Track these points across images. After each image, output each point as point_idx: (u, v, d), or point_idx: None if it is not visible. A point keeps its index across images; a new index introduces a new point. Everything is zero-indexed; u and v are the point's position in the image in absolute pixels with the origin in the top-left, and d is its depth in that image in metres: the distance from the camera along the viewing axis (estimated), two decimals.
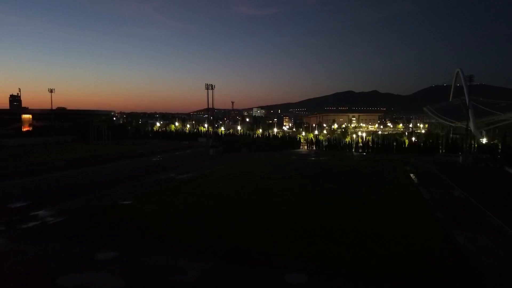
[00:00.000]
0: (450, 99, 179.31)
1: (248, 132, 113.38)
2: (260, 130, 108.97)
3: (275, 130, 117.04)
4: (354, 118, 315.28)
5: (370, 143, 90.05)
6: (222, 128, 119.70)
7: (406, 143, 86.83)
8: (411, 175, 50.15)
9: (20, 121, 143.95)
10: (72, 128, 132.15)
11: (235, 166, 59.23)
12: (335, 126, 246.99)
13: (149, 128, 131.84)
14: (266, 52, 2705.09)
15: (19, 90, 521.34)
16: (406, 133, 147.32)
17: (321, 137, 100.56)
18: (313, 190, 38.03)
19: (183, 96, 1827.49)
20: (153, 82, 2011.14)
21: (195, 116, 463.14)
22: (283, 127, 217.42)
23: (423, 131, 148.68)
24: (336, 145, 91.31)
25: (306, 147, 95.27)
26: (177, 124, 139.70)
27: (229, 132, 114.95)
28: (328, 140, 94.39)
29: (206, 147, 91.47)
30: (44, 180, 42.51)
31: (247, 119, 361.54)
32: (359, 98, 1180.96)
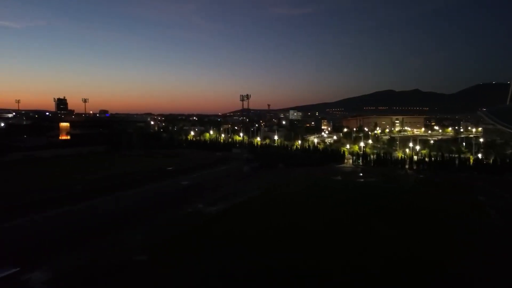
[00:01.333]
0: (509, 101, 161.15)
1: (285, 143, 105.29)
2: (299, 142, 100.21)
3: (315, 140, 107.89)
4: (398, 121, 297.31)
5: (426, 157, 79.23)
6: (258, 138, 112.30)
7: (471, 160, 75.07)
8: None
9: (59, 129, 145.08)
10: (107, 136, 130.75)
11: (273, 190, 51.65)
12: (378, 130, 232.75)
13: (183, 137, 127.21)
14: (302, 52, 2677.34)
15: (64, 97, 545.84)
16: (459, 139, 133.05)
17: (368, 150, 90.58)
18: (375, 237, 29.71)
19: (220, 97, 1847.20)
20: (191, 84, 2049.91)
21: (231, 119, 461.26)
22: (322, 133, 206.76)
23: (479, 138, 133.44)
24: (386, 160, 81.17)
25: (351, 161, 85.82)
26: (211, 132, 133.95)
27: (265, 143, 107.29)
28: (377, 154, 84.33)
29: (240, 160, 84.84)
30: (40, 221, 35.51)
31: (283, 122, 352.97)
32: (400, 97, 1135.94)
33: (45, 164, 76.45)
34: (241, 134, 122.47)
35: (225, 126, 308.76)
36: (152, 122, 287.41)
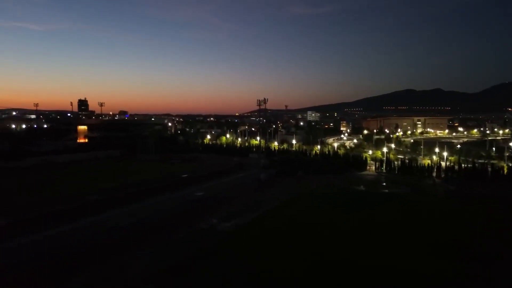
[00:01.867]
0: None
1: (304, 147, 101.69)
2: (318, 147, 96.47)
3: (335, 143, 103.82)
4: (420, 122, 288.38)
5: (455, 165, 74.40)
6: (275, 143, 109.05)
7: (505, 169, 69.72)
8: None
9: (76, 132, 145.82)
10: (123, 140, 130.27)
11: (291, 204, 48.39)
12: (400, 132, 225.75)
13: (200, 140, 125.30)
14: (320, 51, 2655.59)
15: (85, 98, 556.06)
16: (487, 142, 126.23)
17: (391, 156, 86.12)
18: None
19: (237, 96, 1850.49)
20: (209, 84, 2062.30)
21: (248, 119, 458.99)
22: (342, 135, 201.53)
23: (510, 142, 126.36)
24: (411, 167, 76.68)
25: (374, 167, 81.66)
26: (228, 136, 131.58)
27: (283, 148, 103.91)
28: (401, 161, 79.90)
29: (257, 167, 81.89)
30: (36, 243, 32.73)
31: (301, 123, 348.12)
32: (420, 97, 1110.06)
33: (59, 170, 75.42)
34: (258, 138, 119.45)
35: (242, 128, 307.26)
36: (169, 124, 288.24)
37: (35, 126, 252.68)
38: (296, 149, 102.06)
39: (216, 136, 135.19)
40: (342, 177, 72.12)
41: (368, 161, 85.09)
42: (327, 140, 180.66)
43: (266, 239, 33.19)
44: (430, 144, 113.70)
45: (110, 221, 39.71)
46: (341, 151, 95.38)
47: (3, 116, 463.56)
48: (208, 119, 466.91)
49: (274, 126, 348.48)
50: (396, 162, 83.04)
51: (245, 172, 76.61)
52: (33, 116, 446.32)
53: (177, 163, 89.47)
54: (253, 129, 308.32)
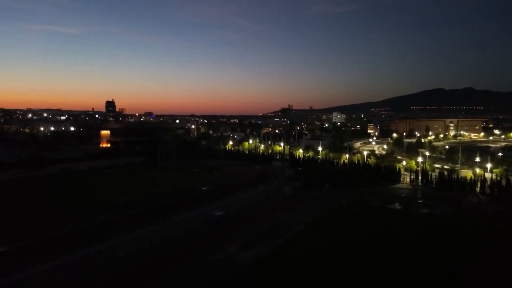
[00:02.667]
0: None
1: (330, 155, 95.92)
2: (347, 155, 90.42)
3: (362, 147, 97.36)
4: (452, 124, 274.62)
5: (502, 179, 66.97)
6: (300, 150, 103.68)
7: None
8: None
9: (99, 137, 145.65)
10: (145, 144, 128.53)
11: (317, 228, 43.33)
12: (431, 136, 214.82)
13: (222, 146, 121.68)
14: (346, 50, 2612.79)
15: (112, 99, 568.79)
16: None
17: (427, 166, 79.17)
18: None
19: (261, 96, 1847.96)
20: (234, 84, 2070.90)
21: (272, 120, 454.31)
22: (370, 139, 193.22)
23: None
24: (451, 181, 69.74)
25: (408, 179, 75.15)
26: (250, 141, 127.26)
27: (308, 156, 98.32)
28: (439, 173, 72.98)
29: (281, 177, 77.04)
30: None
31: (326, 125, 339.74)
32: (451, 96, 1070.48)
33: (77, 180, 73.36)
34: (282, 144, 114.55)
35: (266, 129, 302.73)
36: (193, 126, 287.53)
37: (63, 128, 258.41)
38: (322, 157, 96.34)
39: (239, 141, 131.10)
40: (373, 191, 66.23)
41: (402, 172, 78.61)
42: (354, 144, 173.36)
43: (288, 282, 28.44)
44: (467, 150, 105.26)
45: (117, 250, 35.87)
46: (372, 161, 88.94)
47: (34, 117, 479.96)
48: (231, 120, 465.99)
49: (298, 128, 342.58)
50: (432, 174, 76.19)
51: (268, 184, 71.93)
52: (63, 118, 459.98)
53: (197, 172, 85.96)
54: (276, 131, 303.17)
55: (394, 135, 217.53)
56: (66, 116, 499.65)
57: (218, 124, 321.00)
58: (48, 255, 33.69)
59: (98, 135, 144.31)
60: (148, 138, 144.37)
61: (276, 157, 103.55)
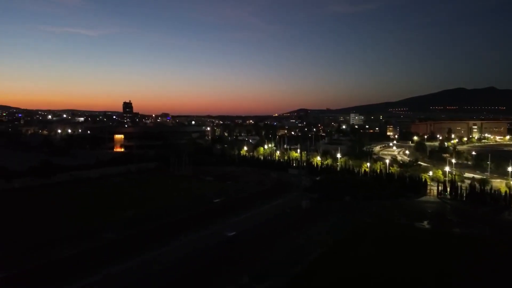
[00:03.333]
0: None
1: (350, 163, 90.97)
2: (368, 164, 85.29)
3: (386, 160, 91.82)
4: (476, 127, 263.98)
5: None
6: (318, 158, 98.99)
7: None
8: None
9: (113, 141, 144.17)
10: (159, 149, 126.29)
11: (339, 251, 39.12)
12: (455, 140, 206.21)
13: (236, 151, 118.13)
14: (363, 50, 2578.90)
15: (129, 101, 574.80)
16: None
17: (457, 177, 73.47)
18: None
19: (278, 96, 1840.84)
20: (250, 84, 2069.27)
21: (287, 121, 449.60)
22: (390, 143, 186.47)
23: None
24: (483, 193, 64.12)
25: (435, 191, 69.77)
26: (266, 147, 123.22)
27: (327, 164, 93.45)
28: (470, 186, 67.33)
29: (298, 187, 73.01)
30: None
31: (343, 126, 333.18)
32: (472, 96, 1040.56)
33: (84, 191, 70.96)
34: (298, 151, 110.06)
35: (281, 131, 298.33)
36: (208, 128, 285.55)
37: (80, 130, 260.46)
38: (341, 165, 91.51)
39: (254, 146, 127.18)
40: (398, 205, 61.36)
41: (428, 182, 73.22)
42: (373, 148, 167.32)
43: None
44: (495, 156, 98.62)
45: (111, 283, 32.07)
46: (395, 169, 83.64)
47: (54, 118, 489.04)
48: (247, 122, 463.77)
49: (314, 130, 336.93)
50: (461, 184, 70.63)
51: (285, 195, 67.75)
52: (81, 119, 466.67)
53: (210, 181, 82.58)
54: (292, 133, 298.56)
55: (415, 138, 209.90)
56: (85, 117, 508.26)
57: (233, 126, 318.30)
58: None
59: (112, 139, 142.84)
60: (162, 142, 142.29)
61: (293, 164, 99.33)
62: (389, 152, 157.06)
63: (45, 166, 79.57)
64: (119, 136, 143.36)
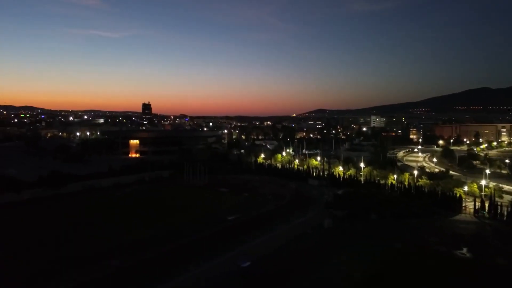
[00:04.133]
0: None
1: (375, 173, 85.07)
2: (395, 176, 79.20)
3: (415, 171, 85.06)
4: (504, 130, 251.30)
5: None
6: (340, 168, 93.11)
7: None
8: None
9: (129, 146, 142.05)
10: (174, 154, 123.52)
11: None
12: (484, 144, 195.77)
13: (253, 158, 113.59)
14: (383, 49, 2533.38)
15: (148, 102, 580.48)
16: None
17: (493, 191, 66.68)
18: None
19: (296, 96, 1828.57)
20: (267, 84, 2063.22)
21: (306, 123, 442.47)
22: (415, 148, 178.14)
23: None
24: None
25: (472, 208, 63.32)
26: (284, 154, 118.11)
27: (350, 175, 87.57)
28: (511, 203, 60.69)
29: (319, 202, 67.96)
30: None
31: (364, 129, 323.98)
32: (497, 96, 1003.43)
33: (92, 204, 67.99)
34: (318, 159, 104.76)
35: (300, 134, 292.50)
36: (225, 131, 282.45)
37: (98, 133, 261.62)
38: (365, 176, 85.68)
39: (271, 153, 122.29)
40: (431, 226, 55.51)
41: (463, 197, 66.80)
42: (397, 153, 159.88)
43: None
44: None
45: None
46: (424, 181, 77.25)
47: (75, 120, 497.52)
48: (264, 123, 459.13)
49: (333, 132, 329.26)
50: (500, 201, 64.02)
51: (305, 211, 62.71)
52: (101, 120, 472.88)
53: (225, 192, 78.35)
54: (311, 135, 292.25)
55: (440, 142, 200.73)
56: (104, 118, 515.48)
57: (251, 128, 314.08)
58: None
59: (127, 144, 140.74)
60: (178, 147, 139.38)
61: (312, 173, 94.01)
62: (414, 158, 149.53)
63: (55, 176, 77.10)
64: (134, 142, 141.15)
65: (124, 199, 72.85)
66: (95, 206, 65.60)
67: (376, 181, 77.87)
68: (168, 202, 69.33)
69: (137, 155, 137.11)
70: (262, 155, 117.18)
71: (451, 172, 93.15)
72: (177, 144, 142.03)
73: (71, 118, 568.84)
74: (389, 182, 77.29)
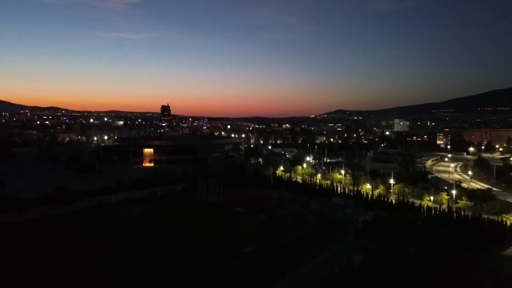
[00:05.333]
0: None
1: (406, 191, 76.78)
2: (431, 198, 70.80)
3: (453, 191, 75.66)
4: None
5: None
6: (368, 185, 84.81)
7: None
8: None
9: (142, 155, 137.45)
10: (190, 163, 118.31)
11: None
12: None
13: (271, 170, 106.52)
14: (405, 48, 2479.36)
15: (167, 104, 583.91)
16: None
17: None
18: None
19: (315, 96, 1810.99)
20: (286, 85, 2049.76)
21: (326, 126, 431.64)
22: (442, 153, 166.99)
23: None
24: None
25: None
26: (304, 165, 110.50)
27: (379, 194, 78.82)
28: None
29: (345, 229, 60.52)
30: None
31: (387, 132, 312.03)
32: None
33: (97, 225, 62.88)
34: (343, 172, 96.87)
35: (320, 138, 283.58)
36: (243, 135, 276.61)
37: (116, 136, 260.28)
38: (396, 196, 77.41)
39: (291, 163, 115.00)
40: (481, 263, 47.46)
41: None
42: (424, 162, 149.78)
43: None
44: None
45: None
46: (463, 203, 68.55)
47: (96, 122, 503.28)
48: (283, 126, 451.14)
49: (355, 136, 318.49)
50: None
51: (331, 243, 55.23)
52: (121, 122, 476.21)
53: (240, 213, 71.70)
54: (331, 139, 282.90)
55: (471, 149, 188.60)
56: (124, 121, 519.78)
57: (269, 132, 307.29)
58: None
59: (141, 152, 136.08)
60: (193, 156, 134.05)
61: (336, 189, 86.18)
62: (445, 168, 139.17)
63: (61, 193, 72.28)
64: (148, 150, 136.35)
65: (134, 219, 67.28)
66: (97, 231, 60.01)
67: (410, 203, 69.32)
68: (176, 226, 62.82)
69: (151, 164, 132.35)
70: (282, 168, 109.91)
71: (490, 187, 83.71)
72: (192, 153, 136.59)
73: (91, 120, 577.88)
74: (425, 204, 68.85)
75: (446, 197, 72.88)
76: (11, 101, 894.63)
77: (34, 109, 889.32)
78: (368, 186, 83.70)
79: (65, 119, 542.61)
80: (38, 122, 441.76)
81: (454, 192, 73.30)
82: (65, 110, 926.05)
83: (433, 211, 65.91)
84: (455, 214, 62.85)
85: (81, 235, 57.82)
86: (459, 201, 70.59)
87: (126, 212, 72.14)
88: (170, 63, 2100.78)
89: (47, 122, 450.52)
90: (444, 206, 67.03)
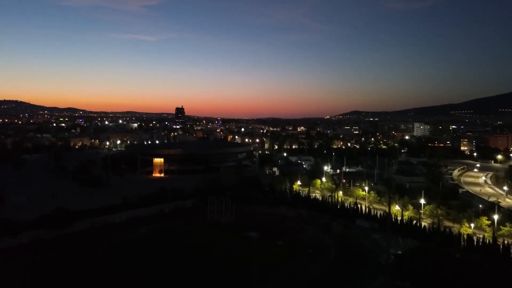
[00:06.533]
0: None
1: (439, 213, 68.38)
2: (472, 225, 62.23)
3: (495, 216, 66.60)
4: None
5: None
6: (397, 207, 76.10)
7: None
8: None
9: (152, 165, 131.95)
10: (202, 173, 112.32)
11: None
12: None
13: (288, 185, 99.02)
14: (422, 48, 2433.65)
15: (182, 106, 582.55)
16: None
17: None
18: None
19: (331, 97, 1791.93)
20: (302, 85, 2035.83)
21: (342, 129, 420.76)
22: (474, 168, 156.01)
23: None
24: None
25: None
26: (324, 179, 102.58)
27: (410, 218, 69.22)
28: None
29: (375, 267, 52.85)
30: None
31: (406, 137, 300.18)
32: None
33: (96, 251, 56.58)
34: (366, 189, 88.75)
35: (337, 143, 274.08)
36: (257, 140, 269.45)
37: (128, 141, 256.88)
38: (428, 216, 69.18)
39: (309, 176, 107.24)
40: None
41: None
42: (450, 172, 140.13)
43: None
44: None
45: None
46: (508, 230, 60.10)
47: (111, 124, 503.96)
48: (298, 129, 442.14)
49: (373, 140, 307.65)
50: None
51: (359, 283, 47.81)
52: (135, 125, 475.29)
53: (255, 239, 64.55)
54: (348, 144, 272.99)
55: (499, 157, 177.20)
56: (138, 122, 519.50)
57: (284, 136, 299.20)
58: None
59: (151, 162, 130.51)
60: (205, 166, 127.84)
61: (361, 209, 78.09)
62: (473, 180, 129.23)
63: (59, 214, 66.70)
64: (158, 160, 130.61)
65: (136, 245, 61.02)
66: (96, 258, 53.86)
67: (447, 231, 60.76)
68: (183, 255, 56.18)
69: (161, 175, 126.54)
70: (299, 182, 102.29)
71: None
72: (204, 162, 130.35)
73: (106, 122, 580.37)
74: (464, 232, 60.44)
75: (487, 221, 64.32)
76: (31, 102, 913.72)
77: (53, 109, 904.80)
78: (397, 207, 75.32)
79: (81, 121, 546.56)
80: (55, 124, 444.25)
81: (496, 217, 64.63)
82: (83, 110, 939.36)
83: (474, 241, 57.46)
84: (501, 247, 54.42)
85: (67, 268, 51.45)
86: (502, 227, 62.04)
87: (128, 235, 66.13)
88: (185, 64, 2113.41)
89: (63, 125, 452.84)
90: (487, 236, 58.61)
